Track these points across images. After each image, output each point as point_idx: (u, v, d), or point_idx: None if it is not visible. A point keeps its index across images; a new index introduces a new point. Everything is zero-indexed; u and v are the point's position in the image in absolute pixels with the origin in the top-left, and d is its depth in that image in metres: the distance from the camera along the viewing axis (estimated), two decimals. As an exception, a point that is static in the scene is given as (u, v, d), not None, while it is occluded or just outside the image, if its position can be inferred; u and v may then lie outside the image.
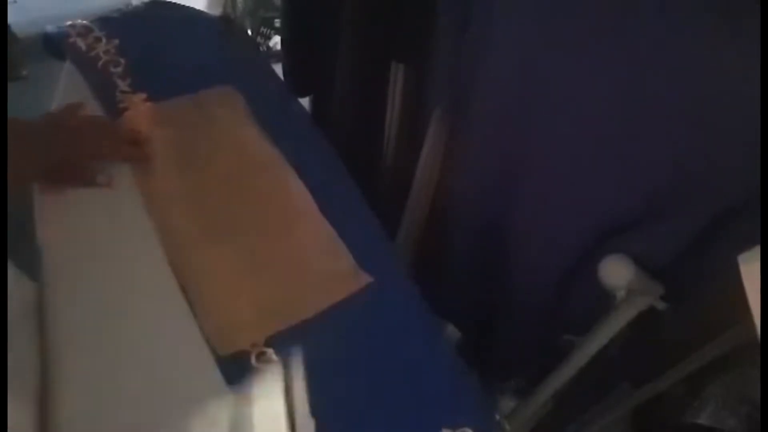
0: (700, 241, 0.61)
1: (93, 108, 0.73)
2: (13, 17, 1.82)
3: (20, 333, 0.53)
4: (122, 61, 0.78)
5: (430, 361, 0.59)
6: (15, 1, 2.01)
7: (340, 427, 0.52)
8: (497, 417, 0.57)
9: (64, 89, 0.77)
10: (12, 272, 0.56)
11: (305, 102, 1.17)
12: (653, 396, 0.77)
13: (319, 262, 0.64)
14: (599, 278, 0.66)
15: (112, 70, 0.77)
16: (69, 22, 0.81)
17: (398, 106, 0.93)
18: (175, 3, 0.91)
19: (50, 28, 0.81)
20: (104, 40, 0.80)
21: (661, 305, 0.66)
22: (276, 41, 1.96)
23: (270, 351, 0.56)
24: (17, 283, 0.57)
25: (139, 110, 0.73)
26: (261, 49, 1.92)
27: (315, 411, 0.53)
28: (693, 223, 0.61)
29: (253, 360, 0.55)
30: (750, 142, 0.51)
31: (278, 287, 0.61)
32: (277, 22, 1.92)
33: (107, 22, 0.83)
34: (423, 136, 0.85)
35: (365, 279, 0.63)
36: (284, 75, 1.10)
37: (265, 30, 1.96)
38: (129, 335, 0.55)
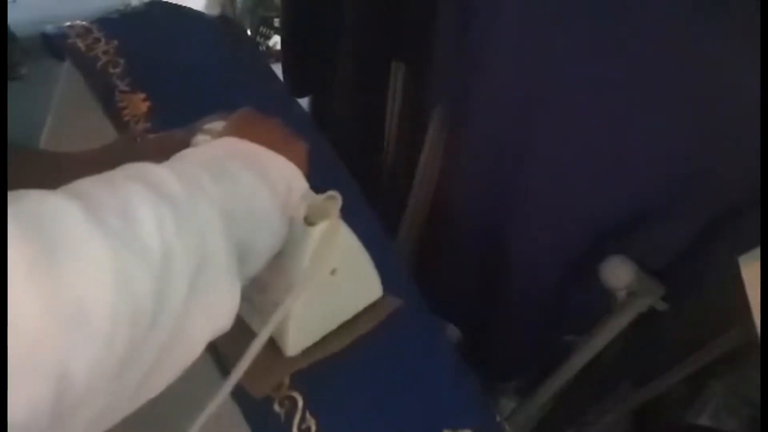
0: (701, 242, 0.61)
1: (93, 107, 0.73)
2: (12, 17, 1.81)
3: None
4: (121, 61, 0.78)
5: (430, 361, 0.59)
6: (14, 1, 2.01)
7: (339, 427, 0.52)
8: (497, 418, 0.57)
9: (63, 89, 0.77)
10: None
11: (304, 102, 1.17)
12: (654, 396, 0.77)
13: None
14: (600, 279, 0.66)
15: (111, 70, 0.77)
16: (68, 23, 0.81)
17: (398, 105, 0.93)
18: (174, 4, 0.91)
19: (49, 28, 0.81)
20: (103, 41, 0.80)
21: (661, 306, 0.66)
22: (276, 41, 1.96)
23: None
24: None
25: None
26: (260, 48, 1.92)
27: (314, 410, 0.53)
28: (694, 223, 0.61)
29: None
30: (750, 143, 0.51)
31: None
32: (277, 22, 1.92)
33: (106, 23, 0.83)
34: (423, 135, 0.85)
35: (394, 304, 0.60)
36: (284, 75, 1.09)
37: (264, 29, 1.96)
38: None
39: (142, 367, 0.29)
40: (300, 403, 0.53)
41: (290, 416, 0.52)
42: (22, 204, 0.25)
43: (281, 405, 0.53)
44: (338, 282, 0.52)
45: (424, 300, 0.64)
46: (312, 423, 0.52)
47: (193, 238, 0.32)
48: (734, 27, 0.51)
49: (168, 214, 0.31)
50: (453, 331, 1.03)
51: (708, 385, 0.72)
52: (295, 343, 0.54)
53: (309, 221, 0.46)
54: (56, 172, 0.53)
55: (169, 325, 0.30)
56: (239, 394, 0.54)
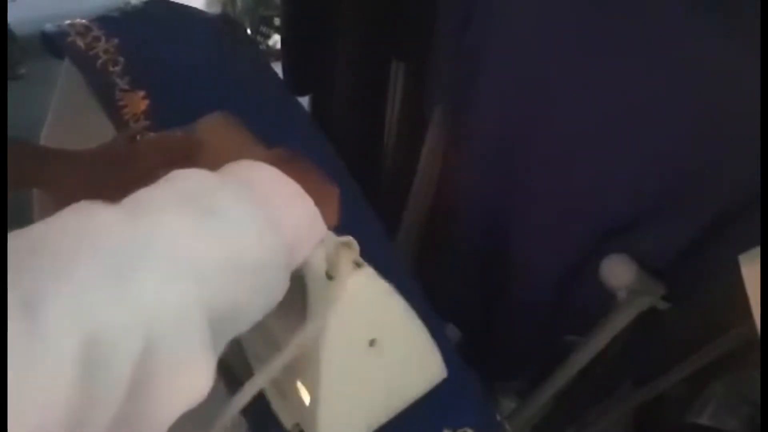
0: (701, 241, 0.61)
1: (92, 106, 0.73)
2: (12, 16, 1.81)
3: None
4: (121, 59, 0.78)
5: (431, 362, 0.58)
6: (14, 0, 2.00)
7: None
8: (498, 417, 0.57)
9: (63, 88, 0.77)
10: None
11: (304, 101, 1.17)
12: (654, 396, 0.77)
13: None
14: (601, 278, 0.66)
15: (111, 68, 0.77)
16: (68, 21, 0.81)
17: (398, 105, 0.93)
18: (174, 2, 0.91)
19: (49, 27, 0.81)
20: (103, 39, 0.80)
21: (662, 305, 0.66)
22: (276, 40, 1.96)
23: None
24: None
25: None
26: (260, 47, 1.92)
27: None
28: (694, 223, 0.61)
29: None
30: (750, 143, 0.51)
31: None
32: (277, 21, 1.92)
33: (106, 21, 0.82)
34: (423, 135, 0.85)
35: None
36: (284, 74, 1.09)
37: (264, 29, 1.96)
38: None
39: None
40: (300, 403, 0.53)
41: (290, 415, 0.52)
42: None
43: (281, 404, 0.53)
44: (381, 358, 0.43)
45: (424, 299, 0.64)
46: (312, 422, 0.52)
47: (135, 315, 0.26)
48: (734, 27, 0.51)
49: (95, 293, 0.25)
50: (453, 331, 1.03)
51: (708, 385, 0.72)
52: None
53: (329, 274, 0.39)
54: (52, 168, 0.53)
55: (106, 420, 0.25)
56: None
